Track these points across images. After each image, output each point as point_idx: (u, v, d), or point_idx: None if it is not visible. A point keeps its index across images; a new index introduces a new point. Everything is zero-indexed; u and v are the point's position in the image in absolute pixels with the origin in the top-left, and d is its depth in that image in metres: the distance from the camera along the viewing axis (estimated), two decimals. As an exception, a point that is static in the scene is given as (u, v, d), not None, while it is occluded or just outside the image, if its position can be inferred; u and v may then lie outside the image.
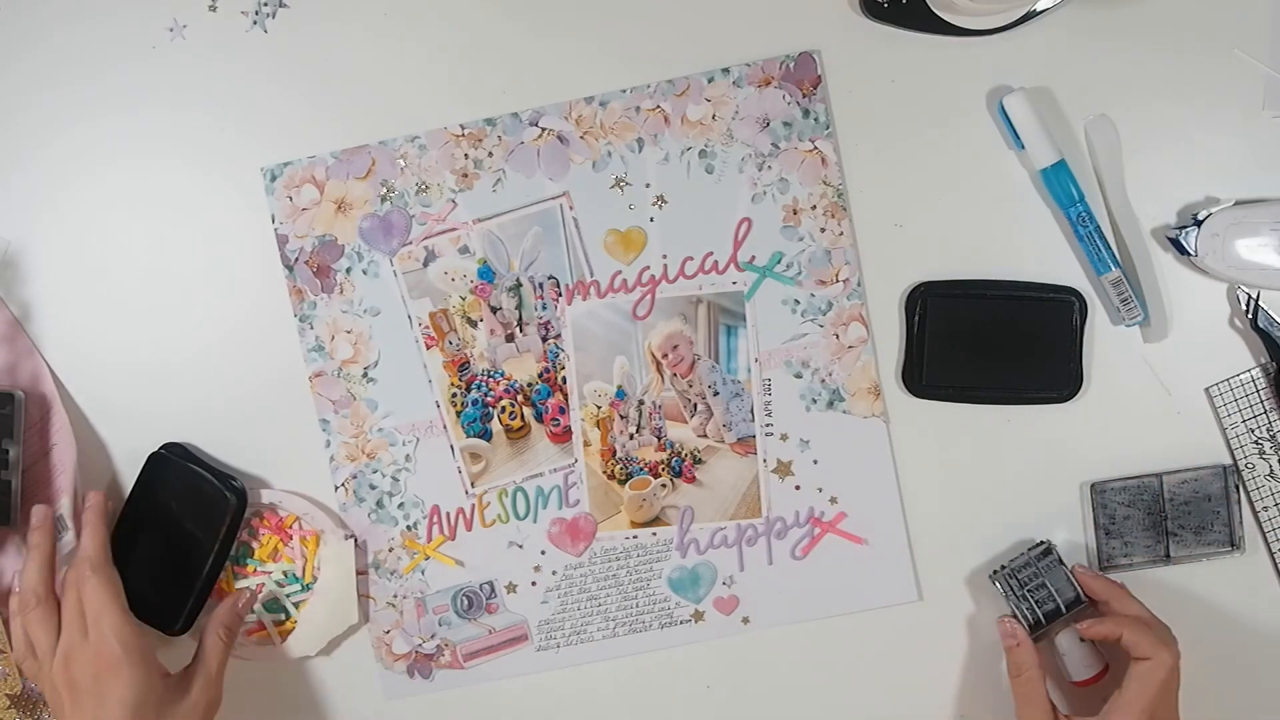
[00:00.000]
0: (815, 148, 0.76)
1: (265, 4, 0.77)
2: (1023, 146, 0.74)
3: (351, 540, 0.77)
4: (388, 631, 0.79)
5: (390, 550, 0.78)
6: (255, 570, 0.78)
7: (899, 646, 0.78)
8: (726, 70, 0.76)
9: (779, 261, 0.76)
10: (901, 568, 0.77)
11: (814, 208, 0.76)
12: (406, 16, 0.76)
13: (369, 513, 0.78)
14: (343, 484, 0.78)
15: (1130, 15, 0.75)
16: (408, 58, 0.77)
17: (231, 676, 0.77)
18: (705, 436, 0.77)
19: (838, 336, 0.76)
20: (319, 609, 0.78)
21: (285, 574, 0.78)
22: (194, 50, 0.77)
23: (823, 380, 0.77)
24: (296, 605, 0.78)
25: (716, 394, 0.77)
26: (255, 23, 0.77)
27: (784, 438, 0.77)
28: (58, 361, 0.78)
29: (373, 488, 0.78)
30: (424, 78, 0.77)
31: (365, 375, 0.77)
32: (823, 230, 0.76)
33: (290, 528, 0.78)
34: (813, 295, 0.76)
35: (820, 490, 0.77)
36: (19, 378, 0.77)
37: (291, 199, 0.77)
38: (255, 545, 0.78)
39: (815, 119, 0.75)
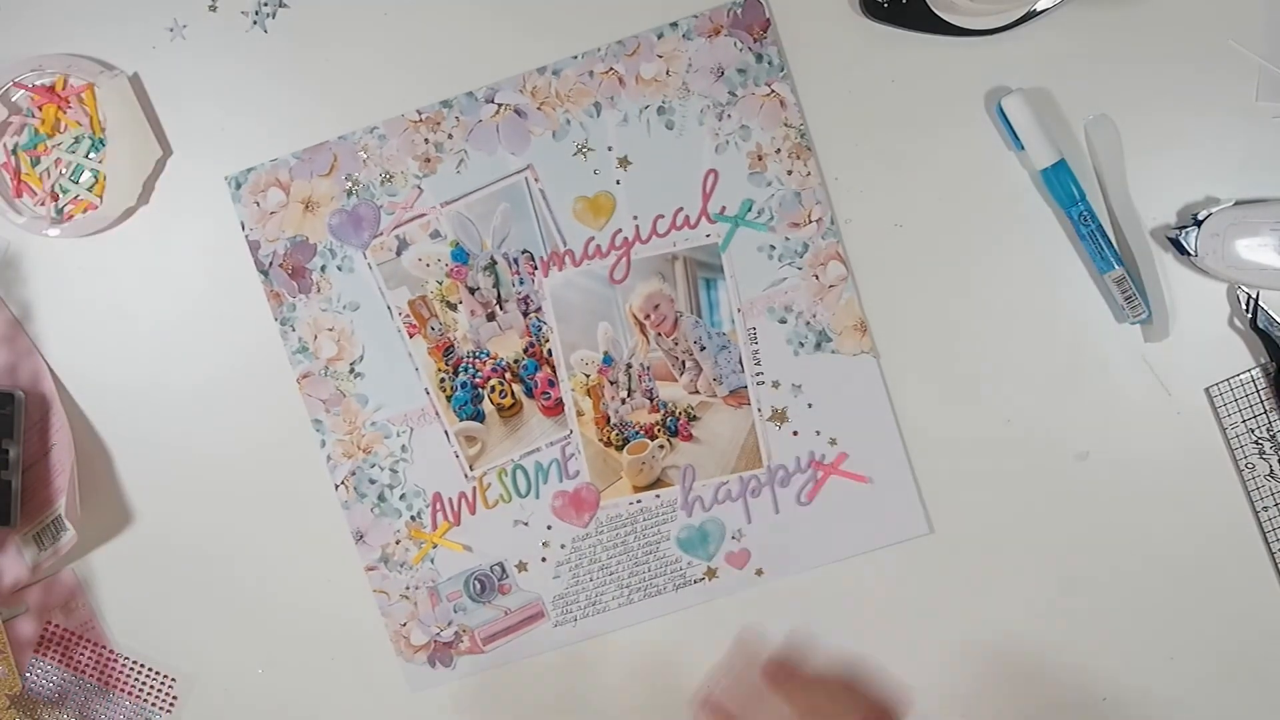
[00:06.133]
0: (773, 91, 0.75)
1: (265, 4, 0.77)
2: (1022, 147, 0.73)
3: (122, 75, 0.75)
4: (404, 624, 0.78)
5: (397, 543, 0.78)
6: (48, 148, 0.76)
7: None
8: (675, 24, 0.75)
9: (750, 209, 0.76)
10: (909, 501, 0.77)
11: (778, 151, 0.75)
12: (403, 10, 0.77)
13: (371, 507, 0.78)
14: (342, 482, 0.78)
15: (1130, 16, 0.74)
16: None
17: (243, 685, 0.77)
18: (697, 393, 0.77)
19: (817, 277, 0.76)
20: (121, 154, 0.75)
21: (76, 139, 0.76)
22: (194, 50, 0.77)
23: (808, 322, 0.76)
24: (101, 162, 0.76)
25: (703, 349, 0.77)
26: (255, 23, 0.77)
27: (776, 385, 0.77)
28: (58, 361, 0.79)
29: (372, 482, 0.78)
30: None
31: (352, 371, 0.77)
32: (789, 173, 0.76)
33: (63, 91, 0.76)
34: (787, 239, 0.76)
35: (818, 433, 0.77)
36: (19, 378, 0.78)
37: (259, 204, 0.77)
38: (37, 123, 0.76)
39: (769, 62, 0.75)
